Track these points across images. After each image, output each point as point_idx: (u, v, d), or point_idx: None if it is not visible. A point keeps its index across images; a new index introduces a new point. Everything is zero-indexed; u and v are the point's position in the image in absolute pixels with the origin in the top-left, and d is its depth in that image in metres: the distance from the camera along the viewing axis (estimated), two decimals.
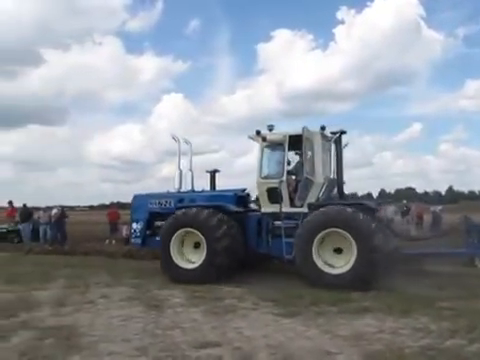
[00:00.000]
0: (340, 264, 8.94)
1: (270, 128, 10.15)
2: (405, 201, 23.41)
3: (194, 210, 9.99)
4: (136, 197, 11.95)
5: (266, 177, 10.10)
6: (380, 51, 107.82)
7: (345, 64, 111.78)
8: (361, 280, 8.40)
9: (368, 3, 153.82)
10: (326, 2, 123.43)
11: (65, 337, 5.68)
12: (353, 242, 8.69)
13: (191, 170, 11.75)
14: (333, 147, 10.37)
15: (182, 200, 10.99)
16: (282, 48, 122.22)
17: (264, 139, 10.06)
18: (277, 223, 9.80)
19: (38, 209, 20.98)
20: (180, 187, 11.55)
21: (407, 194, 66.92)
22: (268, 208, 9.95)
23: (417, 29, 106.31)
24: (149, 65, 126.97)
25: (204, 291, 8.51)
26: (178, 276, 9.73)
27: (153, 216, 11.03)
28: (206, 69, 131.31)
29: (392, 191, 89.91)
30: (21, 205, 20.59)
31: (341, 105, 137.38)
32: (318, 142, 10.08)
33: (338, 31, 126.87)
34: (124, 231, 16.47)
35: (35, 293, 8.40)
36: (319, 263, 8.93)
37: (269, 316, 6.75)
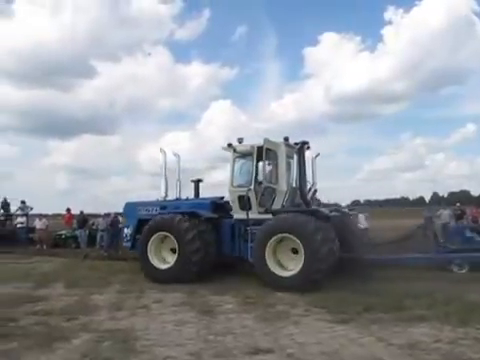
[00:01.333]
0: (293, 267, 9.54)
1: (240, 141, 10.94)
2: (458, 204, 22.46)
3: (169, 216, 10.88)
4: (127, 205, 12.97)
5: (237, 186, 10.86)
6: (431, 50, 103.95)
7: (395, 65, 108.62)
8: (309, 281, 9.05)
9: (416, 2, 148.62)
10: (373, 3, 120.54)
11: (122, 340, 5.87)
12: (301, 246, 9.29)
13: (179, 180, 12.64)
14: (295, 157, 11.14)
15: (165, 207, 11.85)
16: (329, 51, 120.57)
17: (235, 150, 10.97)
18: (248, 228, 10.35)
19: (95, 216, 21.73)
20: (166, 195, 12.45)
21: (461, 197, 64.14)
22: (239, 214, 10.65)
23: (470, 25, 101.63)
24: (197, 73, 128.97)
25: (256, 297, 8.53)
26: (154, 275, 10.58)
27: (141, 222, 11.61)
28: (253, 75, 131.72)
29: (445, 194, 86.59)
30: (78, 212, 21.41)
31: (391, 107, 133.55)
32: (282, 153, 10.88)
33: (386, 32, 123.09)
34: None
35: (93, 297, 8.72)
36: (272, 266, 9.59)
37: (321, 323, 6.69)
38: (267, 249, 9.62)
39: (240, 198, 10.58)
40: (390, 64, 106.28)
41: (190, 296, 8.80)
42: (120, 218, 17.47)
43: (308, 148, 11.30)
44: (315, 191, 11.66)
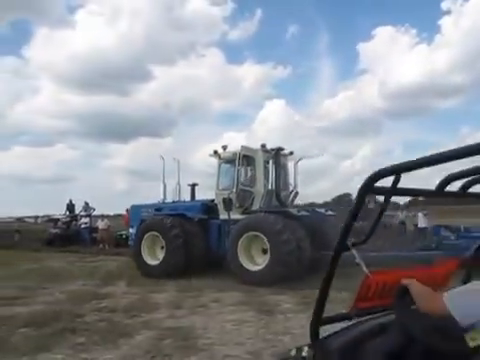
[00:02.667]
0: (262, 262, 10.36)
1: (224, 147, 12.05)
2: None
3: (158, 217, 12.05)
4: (133, 207, 14.44)
5: (221, 189, 11.89)
6: None
7: (453, 57, 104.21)
8: (276, 276, 9.65)
9: None
10: None
11: (182, 338, 5.97)
12: (267, 243, 10.14)
13: (179, 184, 13.58)
14: (271, 162, 12.11)
15: (160, 209, 12.94)
16: (384, 45, 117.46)
17: (220, 157, 12.07)
18: (231, 228, 11.04)
19: None
20: (165, 198, 13.51)
21: None
22: (224, 215, 11.49)
23: None
24: (250, 73, 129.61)
25: (313, 297, 8.39)
26: (146, 270, 11.59)
27: (142, 222, 12.47)
28: (307, 73, 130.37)
29: None
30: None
31: (449, 101, 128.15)
32: (259, 158, 11.90)
33: (444, 22, 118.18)
34: None
35: (153, 296, 8.95)
36: (243, 261, 10.37)
37: None
38: (239, 245, 10.51)
39: (224, 200, 11.41)
40: (448, 56, 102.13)
41: (248, 295, 8.83)
42: None
43: (291, 154, 12.48)
44: (296, 193, 12.55)
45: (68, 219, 23.41)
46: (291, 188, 12.45)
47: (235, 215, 11.20)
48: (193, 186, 14.07)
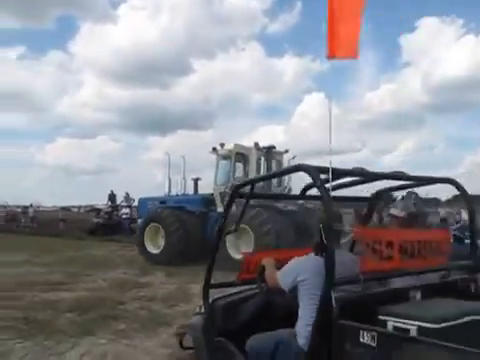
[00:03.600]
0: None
1: (222, 145, 13.03)
2: None
3: (161, 210, 13.13)
4: (141, 199, 15.46)
5: (219, 184, 12.83)
6: None
7: None
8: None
9: None
10: None
11: None
12: (251, 234, 11.03)
13: (184, 178, 14.43)
14: (263, 159, 13.02)
15: (164, 202, 13.91)
16: (428, 37, 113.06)
17: (217, 154, 13.04)
18: None
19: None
20: (169, 191, 14.36)
21: None
22: (220, 209, 12.19)
23: None
24: (290, 66, 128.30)
25: None
26: (149, 258, 12.65)
27: None
28: (347, 66, 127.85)
29: None
30: None
31: None
32: (252, 156, 12.80)
33: None
34: None
35: (190, 286, 9.03)
36: (231, 251, 11.03)
37: None
38: (227, 237, 11.36)
39: (220, 194, 12.41)
40: None
41: None
42: None
43: (286, 151, 13.46)
44: (289, 190, 13.18)
45: (110, 209, 24.08)
46: (285, 184, 13.34)
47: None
48: (196, 180, 14.96)
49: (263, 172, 12.97)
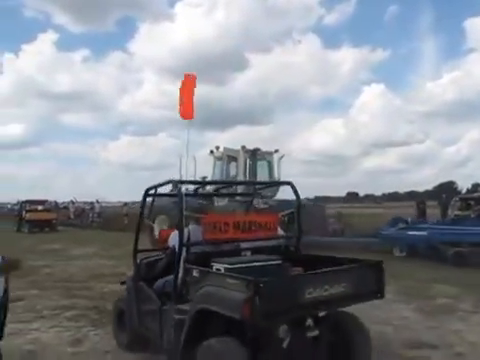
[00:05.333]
0: None
1: (217, 148, 14.76)
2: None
3: (167, 203, 13.11)
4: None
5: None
6: None
7: None
8: None
9: None
10: None
11: None
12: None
13: (194, 177, 15.67)
14: (247, 159, 14.32)
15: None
16: None
17: (214, 156, 14.78)
18: None
19: None
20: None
21: None
22: (216, 204, 12.89)
23: None
24: (348, 58, 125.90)
25: (415, 288, 8.18)
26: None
27: None
28: (407, 55, 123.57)
29: None
30: None
31: None
32: (240, 157, 14.23)
33: None
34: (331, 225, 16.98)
35: None
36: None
37: None
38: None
39: (214, 191, 13.36)
40: None
41: None
42: None
43: (276, 151, 14.62)
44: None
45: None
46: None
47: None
48: (203, 179, 15.89)
49: (249, 171, 14.50)
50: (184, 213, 4.26)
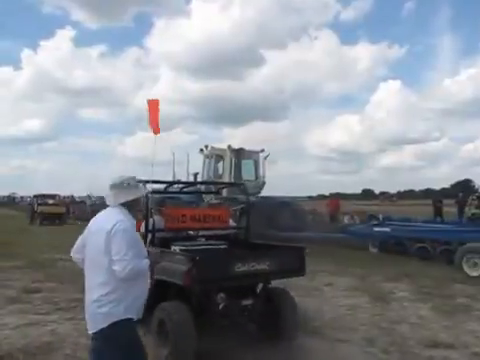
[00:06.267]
0: None
1: (206, 147, 15.54)
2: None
3: (158, 199, 14.12)
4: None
5: (205, 179, 14.99)
6: None
7: None
8: None
9: None
10: None
11: None
12: None
13: (187, 172, 15.97)
14: (233, 158, 14.99)
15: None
16: None
17: (204, 154, 15.55)
18: None
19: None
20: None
21: None
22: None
23: None
24: (364, 54, 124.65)
25: (432, 287, 8.10)
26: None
27: None
28: (425, 52, 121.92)
29: None
30: None
31: None
32: (226, 156, 15.06)
33: None
34: (346, 221, 16.97)
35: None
36: None
37: None
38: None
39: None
40: None
41: (361, 281, 8.72)
42: None
43: (262, 151, 15.47)
44: (263, 184, 15.53)
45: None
46: (261, 179, 15.52)
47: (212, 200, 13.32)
48: (195, 175, 16.22)
49: (234, 169, 15.23)
50: (150, 207, 5.38)
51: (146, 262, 3.18)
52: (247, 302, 4.88)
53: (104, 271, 3.03)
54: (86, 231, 3.27)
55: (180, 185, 7.68)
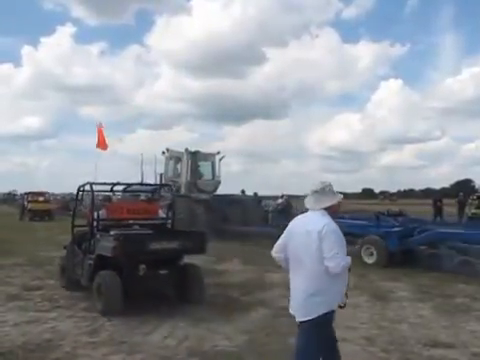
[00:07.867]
0: None
1: (167, 149, 17.53)
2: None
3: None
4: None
5: (167, 179, 16.66)
6: None
7: None
8: None
9: None
10: None
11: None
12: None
13: (155, 172, 17.79)
14: (189, 160, 16.93)
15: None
16: None
17: (166, 156, 17.51)
18: None
19: (268, 198, 22.57)
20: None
21: None
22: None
23: None
24: (366, 52, 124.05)
25: (431, 286, 8.11)
26: None
27: None
28: (426, 51, 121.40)
29: None
30: (252, 193, 22.52)
31: None
32: (183, 158, 17.02)
33: None
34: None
35: (267, 275, 9.17)
36: None
37: None
38: None
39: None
40: None
41: (361, 280, 8.69)
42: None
43: (218, 153, 17.50)
44: (219, 183, 17.58)
45: None
46: (217, 179, 17.50)
47: None
48: (161, 175, 17.48)
49: (192, 170, 16.98)
50: (95, 202, 7.22)
51: (350, 258, 3.44)
52: (163, 272, 6.51)
53: (315, 267, 3.33)
54: (286, 233, 3.62)
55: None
